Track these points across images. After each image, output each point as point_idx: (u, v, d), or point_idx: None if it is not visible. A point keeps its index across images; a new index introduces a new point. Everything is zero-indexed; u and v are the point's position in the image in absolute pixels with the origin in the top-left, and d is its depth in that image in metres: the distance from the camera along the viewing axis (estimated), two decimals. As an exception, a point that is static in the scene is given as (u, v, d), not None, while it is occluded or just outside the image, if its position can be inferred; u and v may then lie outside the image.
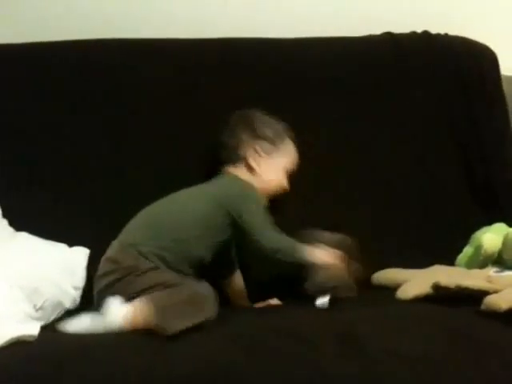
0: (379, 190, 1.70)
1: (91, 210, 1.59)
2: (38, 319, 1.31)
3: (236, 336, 1.21)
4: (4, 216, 1.48)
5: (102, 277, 1.39)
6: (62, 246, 1.48)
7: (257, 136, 1.57)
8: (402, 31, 1.82)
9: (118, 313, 1.28)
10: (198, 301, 1.30)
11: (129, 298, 1.32)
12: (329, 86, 1.73)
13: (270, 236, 1.45)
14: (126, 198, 1.60)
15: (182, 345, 1.19)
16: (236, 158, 1.56)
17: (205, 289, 1.34)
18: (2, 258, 1.33)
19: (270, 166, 1.57)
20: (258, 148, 1.57)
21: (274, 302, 1.54)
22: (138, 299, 1.31)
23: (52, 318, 1.38)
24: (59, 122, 1.62)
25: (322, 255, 1.43)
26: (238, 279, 1.58)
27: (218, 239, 1.48)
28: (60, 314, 1.40)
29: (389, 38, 1.81)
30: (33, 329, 1.21)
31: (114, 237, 1.45)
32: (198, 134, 1.65)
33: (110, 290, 1.36)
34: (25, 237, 1.45)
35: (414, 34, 1.83)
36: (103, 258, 1.42)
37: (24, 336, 1.19)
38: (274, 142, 1.58)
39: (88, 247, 1.50)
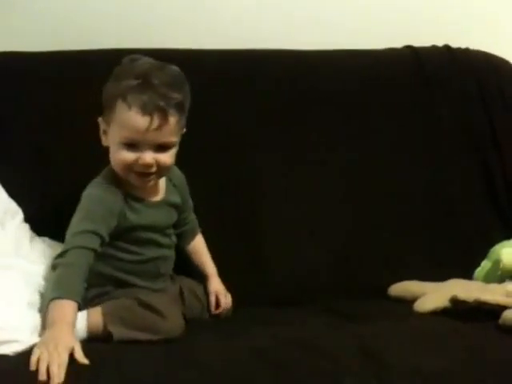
0: (396, 202, 1.70)
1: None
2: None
3: (257, 349, 1.20)
4: (26, 221, 1.49)
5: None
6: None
7: (102, 102, 1.32)
8: (422, 45, 1.82)
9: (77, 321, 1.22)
10: (150, 317, 1.26)
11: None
12: (347, 99, 1.72)
13: (73, 240, 1.27)
14: None
15: (203, 357, 1.18)
16: None
17: (168, 305, 1.29)
18: (23, 263, 1.34)
19: (110, 139, 1.31)
20: (99, 118, 1.33)
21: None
22: (93, 308, 1.28)
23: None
24: (79, 131, 1.58)
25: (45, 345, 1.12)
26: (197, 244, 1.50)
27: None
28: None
29: (409, 51, 1.81)
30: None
31: None
32: (207, 145, 1.63)
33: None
34: (45, 242, 1.45)
35: (434, 47, 1.84)
36: None
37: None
38: (107, 107, 1.31)
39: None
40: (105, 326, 1.26)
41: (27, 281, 1.30)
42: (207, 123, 1.61)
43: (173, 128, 1.31)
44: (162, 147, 1.31)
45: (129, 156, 1.30)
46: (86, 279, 1.25)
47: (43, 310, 1.24)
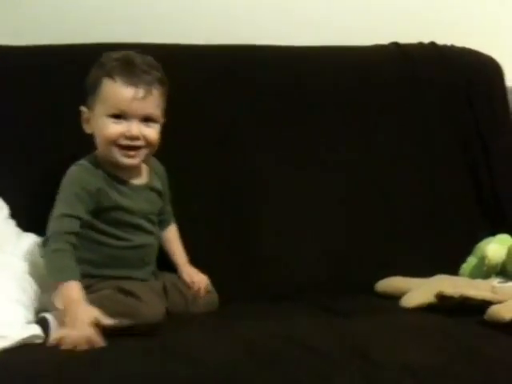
0: (383, 200, 1.70)
1: None
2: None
3: (246, 343, 1.20)
4: (13, 216, 1.48)
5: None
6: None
7: (85, 93, 1.36)
8: (408, 41, 1.82)
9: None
10: (130, 302, 1.26)
11: None
12: (332, 95, 1.72)
13: (50, 231, 1.30)
14: None
15: (189, 348, 1.18)
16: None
17: (147, 292, 1.29)
18: (9, 259, 1.33)
19: (95, 121, 1.35)
20: (82, 107, 1.37)
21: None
22: None
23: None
24: (70, 123, 1.58)
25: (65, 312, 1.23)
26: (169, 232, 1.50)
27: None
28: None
29: (395, 48, 1.82)
30: (39, 330, 1.21)
31: None
32: (199, 143, 1.63)
33: None
34: (32, 238, 1.44)
35: (420, 44, 1.84)
36: None
37: (32, 337, 1.19)
38: (91, 92, 1.35)
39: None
40: None
41: (13, 276, 1.30)
42: (207, 123, 1.63)
43: (157, 100, 1.36)
44: (146, 120, 1.35)
45: (116, 128, 1.33)
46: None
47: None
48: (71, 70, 1.57)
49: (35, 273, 1.34)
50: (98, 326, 1.20)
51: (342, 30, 1.84)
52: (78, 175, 1.36)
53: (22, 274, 1.31)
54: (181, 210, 1.53)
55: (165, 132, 1.48)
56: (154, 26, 1.77)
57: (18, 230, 1.45)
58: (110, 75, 1.33)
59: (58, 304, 1.24)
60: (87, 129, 1.37)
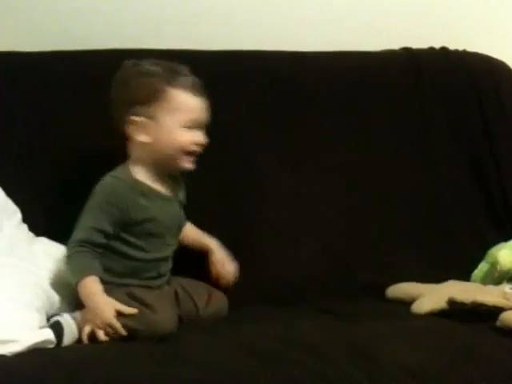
0: (395, 205, 1.70)
1: (64, 211, 1.51)
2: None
3: (248, 346, 1.20)
4: (24, 221, 1.48)
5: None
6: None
7: (128, 103, 1.33)
8: (419, 46, 1.83)
9: (71, 323, 1.27)
10: (142, 310, 1.27)
11: None
12: (344, 100, 1.72)
13: (73, 240, 1.31)
14: None
15: (194, 352, 1.19)
16: (125, 134, 1.36)
17: (161, 302, 1.30)
18: (21, 263, 1.34)
19: (160, 131, 1.33)
20: (134, 117, 1.33)
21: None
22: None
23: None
24: (77, 131, 1.61)
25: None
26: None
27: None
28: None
29: (406, 53, 1.82)
30: (51, 335, 1.21)
31: None
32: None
33: None
34: (44, 242, 1.45)
35: (431, 49, 1.84)
36: None
37: (45, 342, 1.19)
38: (149, 102, 1.33)
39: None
40: None
41: (25, 280, 1.30)
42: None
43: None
44: (203, 128, 1.39)
45: (190, 136, 1.35)
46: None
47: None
48: (72, 74, 1.60)
49: (48, 277, 1.35)
50: (119, 314, 1.24)
51: (352, 35, 1.84)
52: (111, 189, 1.35)
53: (34, 278, 1.31)
54: None
55: None
56: (154, 30, 1.77)
57: (30, 234, 1.46)
58: (175, 85, 1.34)
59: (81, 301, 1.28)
60: (143, 137, 1.34)
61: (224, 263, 1.49)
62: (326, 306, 1.49)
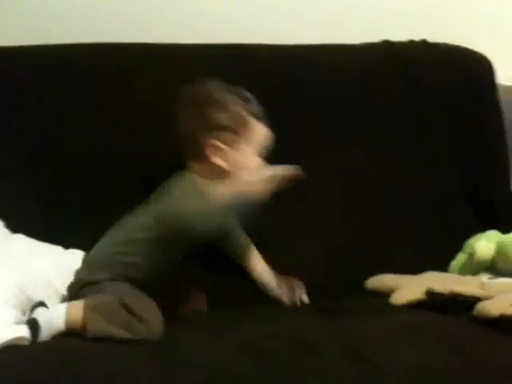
0: (374, 195, 1.70)
1: (87, 214, 1.59)
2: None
3: (244, 345, 1.21)
4: (0, 217, 1.49)
5: (68, 289, 1.37)
6: (58, 249, 1.48)
7: (213, 127, 1.34)
8: (399, 39, 1.83)
9: (57, 313, 1.26)
10: (129, 319, 1.25)
11: None
12: (323, 93, 1.72)
13: None
14: (123, 202, 1.55)
15: (192, 351, 1.19)
16: (197, 154, 1.35)
17: (149, 310, 1.28)
18: (-3, 259, 1.34)
19: (238, 158, 1.36)
20: (217, 142, 1.34)
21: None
22: (74, 301, 1.29)
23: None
24: (58, 125, 1.62)
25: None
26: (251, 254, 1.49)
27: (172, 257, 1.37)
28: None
29: (387, 46, 1.83)
30: (26, 332, 1.21)
31: (86, 240, 1.45)
32: None
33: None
34: (21, 239, 1.45)
35: (412, 42, 1.85)
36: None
37: (18, 339, 1.18)
38: (235, 130, 1.35)
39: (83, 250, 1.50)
40: (84, 322, 1.25)
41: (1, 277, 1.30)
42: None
43: None
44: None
45: (259, 163, 1.38)
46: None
47: None
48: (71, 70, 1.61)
49: (24, 273, 1.34)
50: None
51: (332, 28, 1.85)
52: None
53: (9, 274, 1.31)
54: None
55: (164, 131, 1.51)
56: (153, 25, 1.79)
57: (6, 231, 1.46)
58: (255, 116, 1.37)
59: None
60: (220, 161, 1.35)
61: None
62: (318, 303, 1.49)
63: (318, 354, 1.17)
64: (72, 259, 1.45)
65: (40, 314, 1.26)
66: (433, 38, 1.85)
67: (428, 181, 1.75)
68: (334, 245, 1.64)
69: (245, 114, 1.36)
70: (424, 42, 1.85)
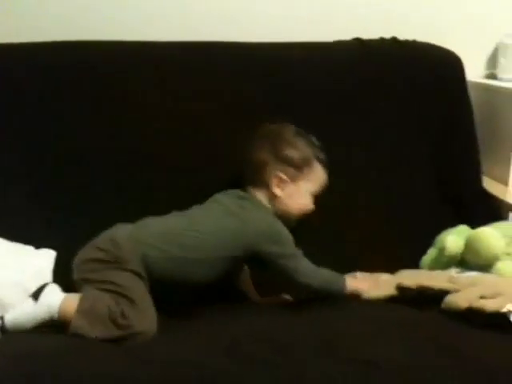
0: (345, 193, 1.71)
1: (87, 214, 1.60)
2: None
3: (214, 342, 1.24)
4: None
5: (91, 262, 1.40)
6: (29, 249, 1.48)
7: (281, 160, 1.51)
8: (370, 37, 1.84)
9: (51, 301, 1.32)
10: (121, 322, 1.31)
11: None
12: (297, 90, 1.73)
13: (306, 272, 1.45)
14: (122, 203, 1.61)
15: (170, 351, 1.22)
16: (258, 180, 1.52)
17: (144, 319, 1.33)
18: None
19: (294, 192, 1.52)
20: (281, 174, 1.51)
21: (284, 298, 1.55)
22: (72, 294, 1.34)
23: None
24: (58, 126, 1.64)
25: (359, 284, 1.47)
26: (244, 274, 1.57)
27: (227, 267, 1.46)
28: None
29: (358, 43, 1.84)
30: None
31: (85, 240, 1.45)
32: (185, 138, 1.66)
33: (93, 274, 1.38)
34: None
35: (382, 40, 1.86)
36: (104, 239, 1.42)
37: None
38: (299, 167, 1.52)
39: (58, 249, 1.50)
40: (71, 319, 1.30)
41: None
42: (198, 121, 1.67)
43: None
44: None
45: (312, 205, 1.54)
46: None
47: None
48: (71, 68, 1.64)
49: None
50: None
51: (304, 26, 1.86)
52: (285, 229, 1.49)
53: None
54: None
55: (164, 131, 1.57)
56: (154, 23, 1.80)
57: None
58: (321, 161, 1.54)
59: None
60: (277, 191, 1.51)
61: None
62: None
63: (295, 354, 1.20)
64: (42, 259, 1.46)
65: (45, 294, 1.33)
66: (403, 35, 1.86)
67: (398, 180, 1.76)
68: (332, 242, 1.66)
69: (311, 155, 1.53)
70: (394, 40, 1.86)
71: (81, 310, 1.31)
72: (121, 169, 1.63)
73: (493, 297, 1.30)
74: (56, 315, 1.32)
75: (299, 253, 1.46)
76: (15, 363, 1.15)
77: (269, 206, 1.52)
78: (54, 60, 1.66)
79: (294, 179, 1.52)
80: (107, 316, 1.31)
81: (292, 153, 1.52)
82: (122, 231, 1.43)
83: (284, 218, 1.51)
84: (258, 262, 1.46)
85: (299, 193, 1.53)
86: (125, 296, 1.35)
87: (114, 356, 1.19)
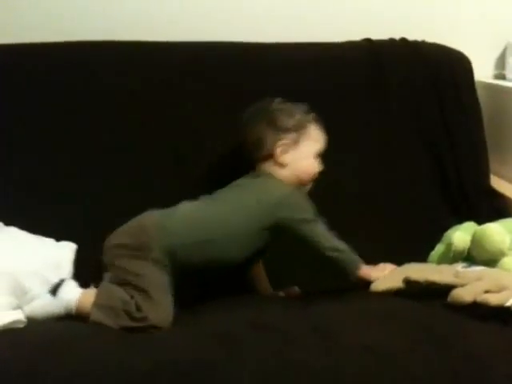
0: (353, 192, 1.75)
1: (79, 207, 1.63)
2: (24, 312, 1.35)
3: (211, 331, 1.27)
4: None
5: (118, 247, 1.44)
6: (50, 241, 1.52)
7: (278, 129, 1.55)
8: (379, 38, 1.87)
9: (69, 296, 1.36)
10: (136, 315, 1.34)
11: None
12: (304, 91, 1.73)
13: (328, 237, 1.48)
14: (123, 203, 1.63)
15: (165, 339, 1.26)
16: (264, 154, 1.55)
17: (159, 312, 1.36)
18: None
19: (299, 156, 1.56)
20: (283, 142, 1.55)
21: (294, 290, 1.58)
22: (89, 289, 1.39)
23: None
24: (43, 122, 1.67)
25: (373, 272, 1.49)
26: (258, 267, 1.60)
27: (255, 245, 1.50)
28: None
29: (367, 44, 1.86)
30: (20, 315, 1.26)
31: (101, 233, 1.49)
32: (184, 135, 1.70)
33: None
34: (13, 231, 1.50)
35: (391, 40, 1.88)
36: (130, 225, 1.46)
37: (14, 322, 1.24)
38: (296, 130, 1.56)
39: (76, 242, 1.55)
40: (89, 313, 1.35)
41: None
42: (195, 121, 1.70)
43: None
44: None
45: (318, 166, 1.57)
46: None
47: None
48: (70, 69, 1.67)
49: (17, 262, 1.39)
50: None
51: (313, 27, 1.89)
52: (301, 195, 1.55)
53: (2, 263, 1.36)
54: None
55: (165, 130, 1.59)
56: (154, 24, 1.83)
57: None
58: (315, 120, 1.58)
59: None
60: (283, 159, 1.54)
61: None
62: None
63: (288, 338, 1.23)
64: (62, 251, 1.50)
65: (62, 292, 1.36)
66: (412, 36, 1.89)
67: (404, 178, 1.78)
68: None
69: (303, 117, 1.57)
70: (403, 40, 1.88)
71: (97, 304, 1.35)
72: (121, 169, 1.67)
73: (497, 291, 1.32)
74: (73, 310, 1.36)
75: (320, 219, 1.49)
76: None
77: (281, 178, 1.54)
78: (55, 60, 1.69)
79: (295, 144, 1.55)
80: (122, 309, 1.34)
81: (285, 119, 1.55)
82: (149, 217, 1.47)
83: (297, 185, 1.55)
84: (282, 232, 1.49)
85: (304, 155, 1.56)
86: (142, 288, 1.38)
87: (113, 345, 1.23)
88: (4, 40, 1.67)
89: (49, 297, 1.36)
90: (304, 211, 1.49)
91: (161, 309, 1.37)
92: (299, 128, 1.56)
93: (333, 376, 1.17)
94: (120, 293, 1.38)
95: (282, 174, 1.55)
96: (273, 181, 1.54)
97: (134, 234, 1.44)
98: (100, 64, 1.70)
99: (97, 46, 1.72)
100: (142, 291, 1.38)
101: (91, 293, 1.38)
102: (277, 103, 1.58)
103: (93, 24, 1.79)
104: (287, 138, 1.55)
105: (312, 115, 1.58)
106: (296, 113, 1.57)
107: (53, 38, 1.70)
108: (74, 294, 1.37)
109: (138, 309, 1.35)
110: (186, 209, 1.50)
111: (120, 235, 1.46)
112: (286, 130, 1.55)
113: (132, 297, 1.37)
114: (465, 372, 1.21)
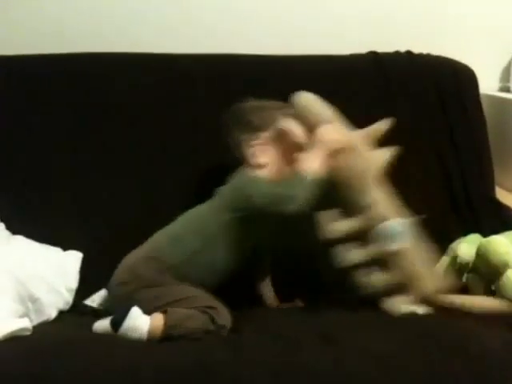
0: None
1: (85, 216, 1.65)
2: (31, 319, 1.37)
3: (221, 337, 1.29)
4: (1, 219, 1.54)
5: (120, 285, 1.43)
6: (56, 250, 1.54)
7: (247, 130, 1.49)
8: (385, 50, 1.88)
9: (141, 323, 1.33)
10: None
11: (150, 308, 1.37)
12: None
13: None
14: (119, 204, 1.65)
15: (170, 343, 1.27)
16: (242, 158, 1.50)
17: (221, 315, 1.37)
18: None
19: (276, 153, 1.50)
20: (254, 142, 1.49)
21: (299, 303, 1.58)
22: (156, 313, 1.36)
23: (45, 318, 1.43)
24: (51, 128, 1.69)
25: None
26: (265, 279, 1.58)
27: (236, 237, 1.45)
28: (54, 315, 1.46)
29: (372, 56, 1.87)
30: (26, 322, 1.27)
31: (107, 243, 1.51)
32: (187, 143, 1.72)
33: (130, 298, 1.39)
34: (20, 240, 1.51)
35: (396, 53, 1.89)
36: (121, 266, 1.44)
37: (20, 330, 1.25)
38: (269, 128, 1.49)
39: (81, 251, 1.55)
40: (163, 332, 1.33)
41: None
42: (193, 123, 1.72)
43: None
44: None
45: (301, 158, 1.46)
46: None
47: None
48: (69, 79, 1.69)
49: (25, 270, 1.41)
50: None
51: (320, 39, 1.91)
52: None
53: (11, 271, 1.37)
54: (179, 210, 1.55)
55: (151, 132, 1.63)
56: (151, 36, 1.86)
57: (7, 232, 1.52)
58: (289, 115, 1.49)
59: None
60: (261, 160, 1.49)
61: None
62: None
63: (293, 343, 1.25)
64: (69, 260, 1.51)
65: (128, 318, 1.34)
66: (417, 49, 1.90)
67: (410, 188, 1.74)
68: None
69: (274, 113, 1.49)
70: (409, 53, 1.89)
71: (170, 325, 1.34)
72: (121, 170, 1.68)
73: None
74: (145, 337, 1.33)
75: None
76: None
77: (265, 177, 1.48)
78: (53, 70, 1.72)
79: (270, 142, 1.49)
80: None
81: (253, 119, 1.49)
82: (131, 257, 1.45)
83: (283, 179, 1.47)
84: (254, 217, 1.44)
85: (282, 152, 1.50)
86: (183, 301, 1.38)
87: (114, 347, 1.25)
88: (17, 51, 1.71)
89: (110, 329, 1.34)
90: (259, 185, 1.43)
91: (224, 311, 1.37)
92: (269, 123, 1.49)
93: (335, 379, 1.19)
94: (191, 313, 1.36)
95: (264, 173, 1.49)
96: (250, 175, 1.48)
97: (129, 279, 1.42)
98: (101, 75, 1.73)
99: (96, 57, 1.75)
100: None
101: (159, 317, 1.35)
102: (246, 104, 1.52)
103: (93, 35, 1.82)
104: (258, 137, 1.49)
105: (285, 109, 1.50)
106: (265, 109, 1.50)
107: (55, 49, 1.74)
108: (144, 321, 1.34)
109: (213, 320, 1.35)
110: (163, 232, 1.48)
111: (117, 284, 1.44)
112: (254, 130, 1.49)
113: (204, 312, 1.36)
114: (465, 372, 1.22)
